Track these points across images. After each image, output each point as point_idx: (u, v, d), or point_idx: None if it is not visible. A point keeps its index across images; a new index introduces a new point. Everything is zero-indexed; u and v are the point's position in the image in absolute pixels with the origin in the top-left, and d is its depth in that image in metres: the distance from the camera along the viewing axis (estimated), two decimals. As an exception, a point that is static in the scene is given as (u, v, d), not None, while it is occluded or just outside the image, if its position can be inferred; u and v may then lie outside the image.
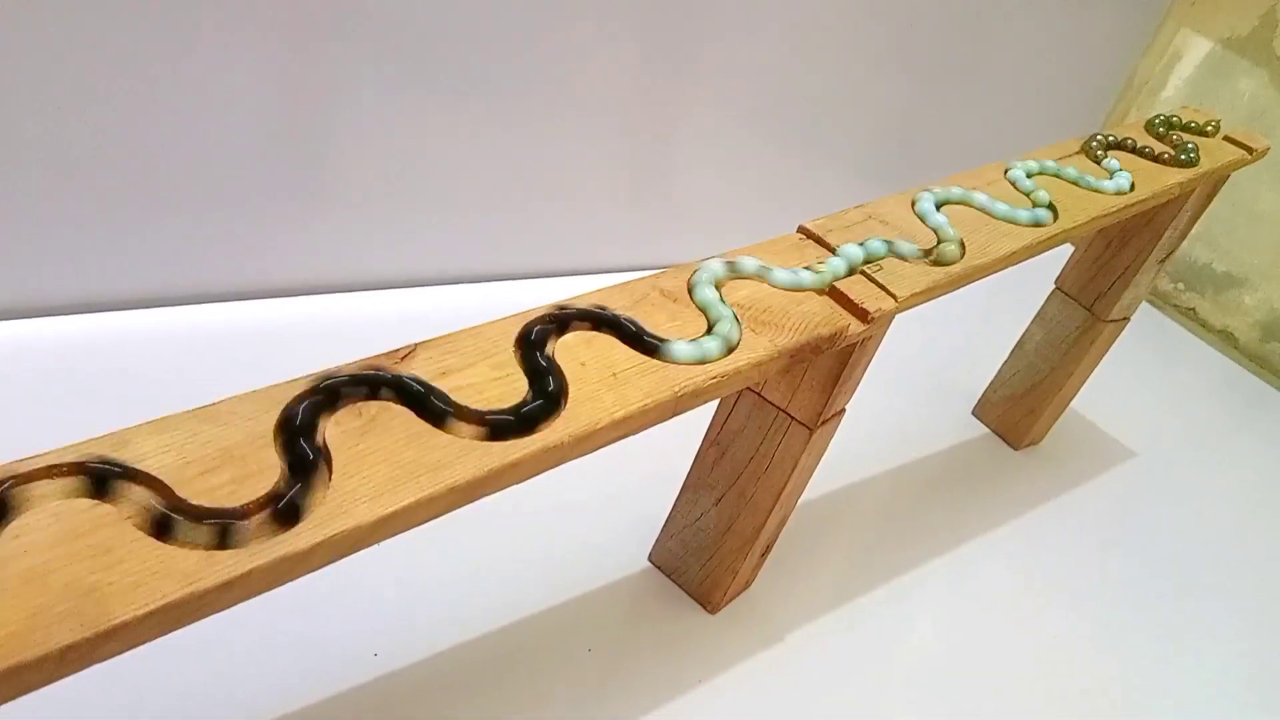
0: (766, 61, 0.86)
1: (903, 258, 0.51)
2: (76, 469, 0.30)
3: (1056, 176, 0.61)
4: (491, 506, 0.48)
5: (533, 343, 0.40)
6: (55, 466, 0.30)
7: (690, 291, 0.45)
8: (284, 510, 0.31)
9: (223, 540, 0.30)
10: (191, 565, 0.29)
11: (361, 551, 0.33)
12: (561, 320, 0.42)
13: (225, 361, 0.64)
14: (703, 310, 0.45)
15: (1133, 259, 0.72)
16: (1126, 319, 0.77)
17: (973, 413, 0.84)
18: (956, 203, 0.56)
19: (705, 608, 0.59)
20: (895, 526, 0.71)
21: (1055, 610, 0.68)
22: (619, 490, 0.62)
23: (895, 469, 0.76)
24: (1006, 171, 0.60)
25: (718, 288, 0.46)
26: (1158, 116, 0.71)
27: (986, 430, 0.83)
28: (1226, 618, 0.72)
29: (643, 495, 0.60)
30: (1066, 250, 0.77)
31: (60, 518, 0.29)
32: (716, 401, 0.54)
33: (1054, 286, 0.77)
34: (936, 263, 0.51)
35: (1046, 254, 0.58)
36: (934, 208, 0.54)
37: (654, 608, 0.58)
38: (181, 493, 0.30)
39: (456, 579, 0.55)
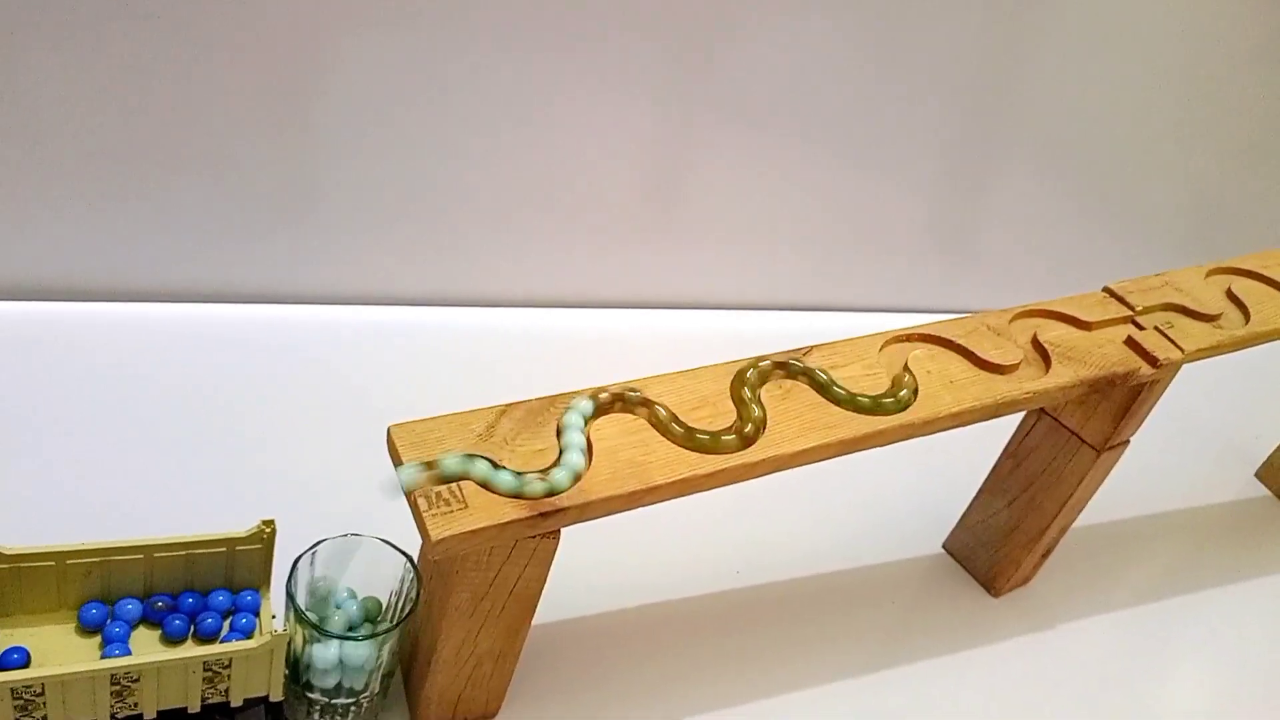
0: (1081, 128, 0.98)
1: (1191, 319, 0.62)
2: (618, 398, 0.49)
3: (1351, 262, 0.69)
4: (834, 483, 0.65)
5: (892, 352, 0.56)
6: (607, 396, 0.49)
7: (1010, 328, 0.60)
8: (745, 437, 0.49)
9: (709, 448, 0.48)
10: (693, 460, 0.47)
11: (740, 496, 0.50)
12: (912, 340, 0.57)
13: (601, 354, 0.86)
14: (1018, 343, 0.59)
15: None
16: None
17: (1255, 475, 0.90)
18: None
19: (989, 591, 0.71)
20: (1168, 560, 0.80)
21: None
22: (925, 488, 0.76)
23: (1177, 510, 0.84)
24: (1301, 255, 0.69)
25: (1032, 328, 0.60)
26: None
27: (1268, 493, 0.89)
28: None
29: (942, 495, 0.74)
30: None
31: (618, 423, 0.48)
32: (1015, 421, 0.67)
33: (1350, 363, 0.83)
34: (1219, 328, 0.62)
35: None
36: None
37: (946, 585, 0.72)
38: (683, 419, 0.49)
39: (800, 530, 0.72)
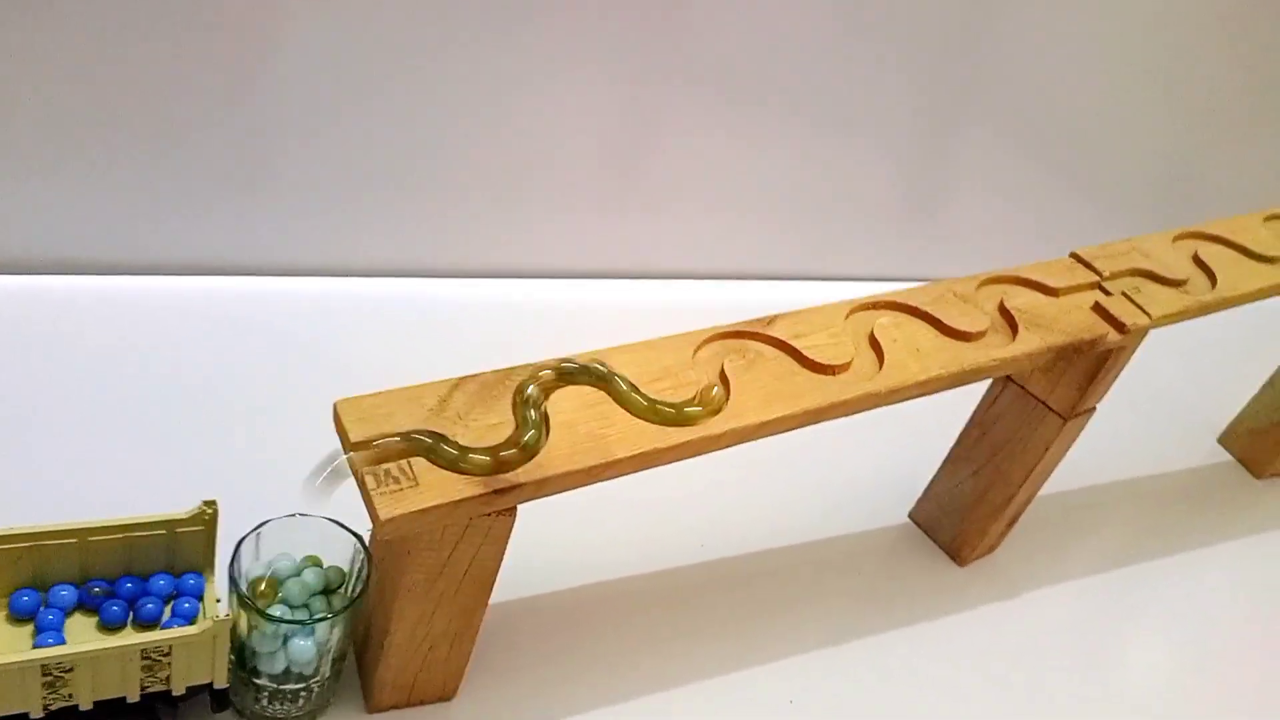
0: (1048, 94, 0.97)
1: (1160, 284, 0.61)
2: (584, 370, 0.48)
3: (1316, 226, 0.69)
4: (798, 453, 0.64)
5: (858, 320, 0.55)
6: (566, 368, 0.48)
7: (976, 294, 0.59)
8: (708, 408, 0.47)
9: (671, 420, 0.46)
10: (654, 432, 0.46)
11: (703, 468, 0.48)
12: (878, 307, 0.56)
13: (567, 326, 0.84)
14: (985, 310, 0.58)
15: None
16: (1384, 365, 0.81)
17: (1218, 440, 0.91)
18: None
19: (955, 560, 0.71)
20: (1133, 526, 0.80)
21: (1270, 632, 0.73)
22: (890, 458, 0.75)
23: (1140, 478, 0.84)
24: (1267, 220, 0.69)
25: (999, 295, 0.59)
26: None
27: (1230, 458, 0.90)
28: None
29: (908, 465, 0.73)
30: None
31: (576, 396, 0.47)
32: (982, 390, 0.66)
33: (1311, 328, 0.83)
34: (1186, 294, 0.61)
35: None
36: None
37: (912, 555, 0.71)
38: (644, 390, 0.47)
39: (765, 503, 0.71)
